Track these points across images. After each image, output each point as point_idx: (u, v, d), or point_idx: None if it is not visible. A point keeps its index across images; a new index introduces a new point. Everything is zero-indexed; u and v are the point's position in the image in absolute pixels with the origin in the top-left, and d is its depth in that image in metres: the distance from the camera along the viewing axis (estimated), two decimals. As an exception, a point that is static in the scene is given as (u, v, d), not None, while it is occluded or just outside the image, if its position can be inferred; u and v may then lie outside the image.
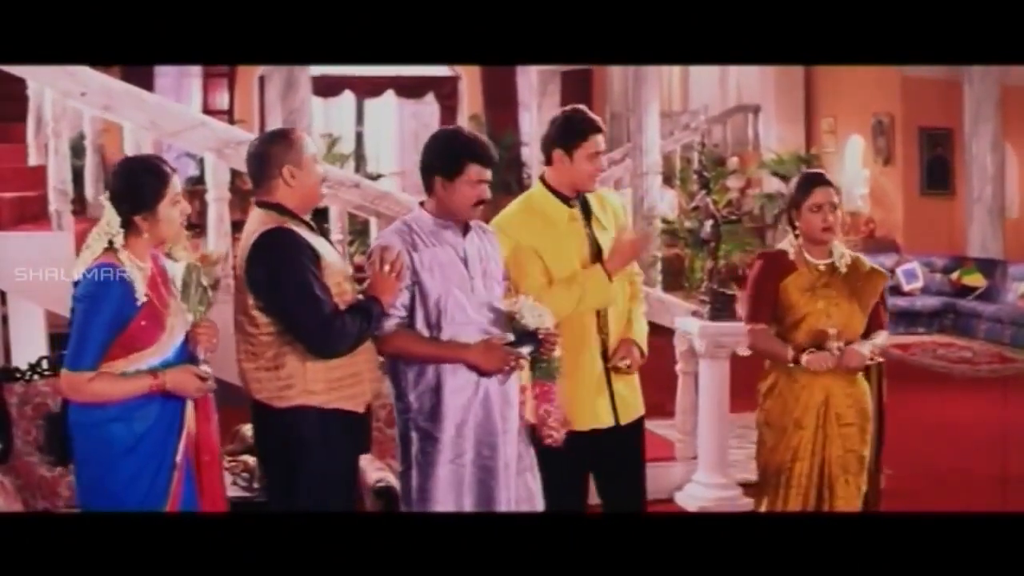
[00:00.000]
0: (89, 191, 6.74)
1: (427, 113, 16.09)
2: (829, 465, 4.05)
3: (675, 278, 10.87)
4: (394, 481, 4.01)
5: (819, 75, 14.05)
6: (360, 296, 3.54)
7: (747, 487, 5.39)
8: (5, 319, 6.65)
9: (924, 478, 6.03)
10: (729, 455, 5.72)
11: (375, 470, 4.28)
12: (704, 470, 5.68)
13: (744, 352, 5.07)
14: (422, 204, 3.72)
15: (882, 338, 4.14)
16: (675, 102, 16.32)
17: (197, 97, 14.98)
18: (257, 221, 3.48)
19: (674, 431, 5.98)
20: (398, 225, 3.69)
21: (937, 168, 12.60)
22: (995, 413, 7.43)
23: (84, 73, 5.65)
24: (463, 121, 15.07)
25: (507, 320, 3.65)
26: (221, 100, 15.06)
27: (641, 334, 4.09)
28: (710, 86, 15.60)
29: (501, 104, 15.83)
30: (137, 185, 3.34)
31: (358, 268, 4.54)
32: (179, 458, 3.38)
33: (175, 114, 5.89)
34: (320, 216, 5.23)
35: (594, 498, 4.15)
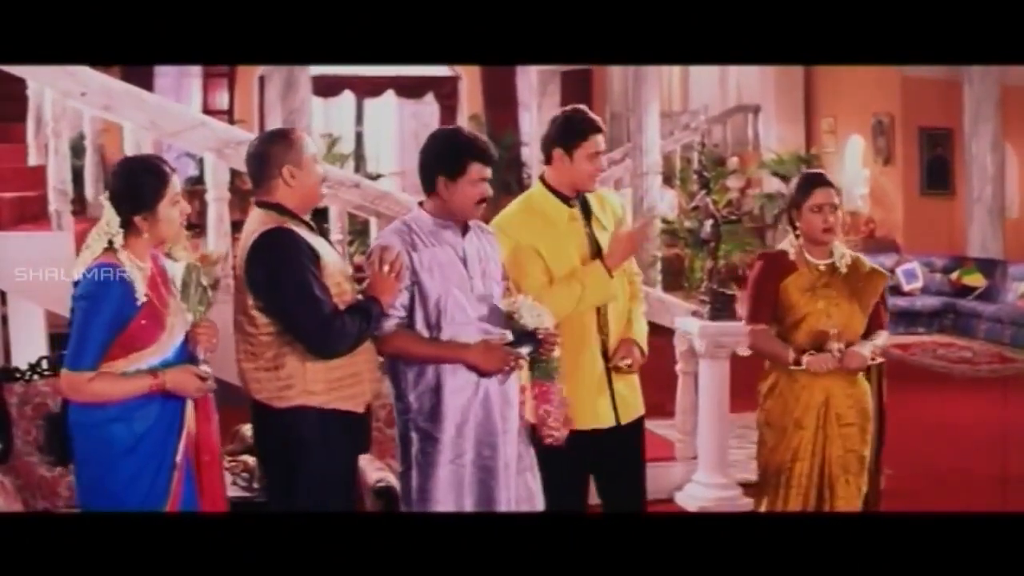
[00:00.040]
0: (89, 191, 6.75)
1: (427, 113, 16.08)
2: (829, 465, 4.05)
3: (675, 278, 10.87)
4: (394, 481, 4.01)
5: (819, 75, 14.05)
6: (359, 296, 3.54)
7: (747, 487, 5.39)
8: (5, 319, 6.65)
9: (924, 478, 6.03)
10: (729, 455, 5.72)
11: (375, 470, 4.28)
12: (704, 470, 5.68)
13: (744, 352, 5.07)
14: (421, 204, 3.72)
15: (883, 339, 4.14)
16: (675, 102, 16.32)
17: (197, 97, 14.97)
18: (257, 221, 3.48)
19: (674, 431, 5.98)
20: (397, 225, 3.69)
21: (937, 168, 12.60)
22: (995, 413, 7.43)
23: (84, 73, 5.65)
24: (463, 121, 15.07)
25: (506, 320, 3.65)
26: (221, 100, 15.06)
27: (641, 334, 4.09)
28: (710, 86, 15.60)
29: (501, 104, 15.83)
30: (137, 185, 3.34)
31: (358, 268, 4.54)
32: (179, 458, 3.38)
33: (175, 114, 5.89)
34: (320, 216, 5.24)
35: (594, 498, 4.15)
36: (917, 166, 12.69)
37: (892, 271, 10.72)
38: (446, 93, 16.00)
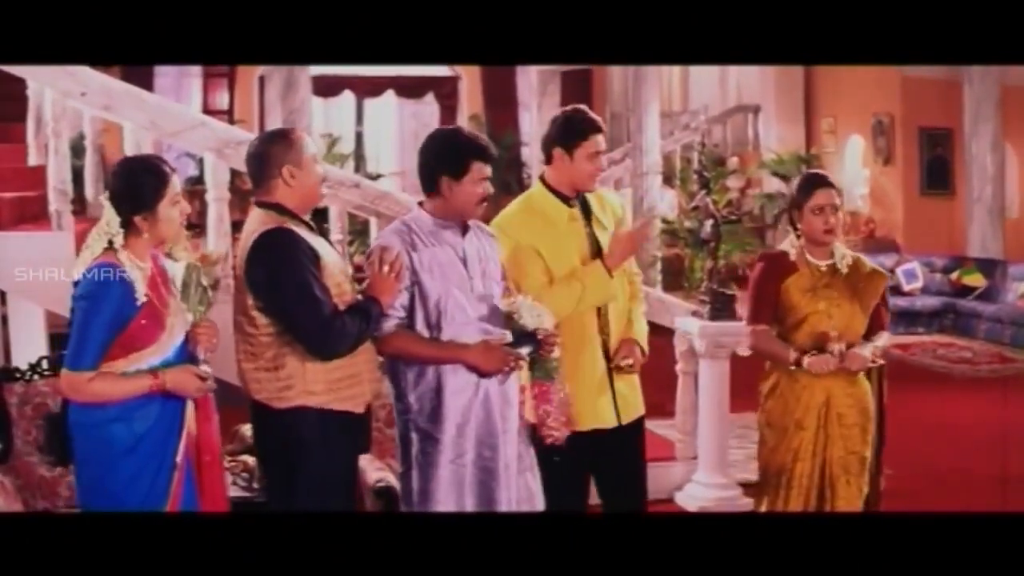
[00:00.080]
0: (89, 191, 6.75)
1: (427, 113, 16.09)
2: (830, 465, 4.05)
3: (675, 278, 10.87)
4: (394, 481, 4.01)
5: (819, 75, 14.06)
6: (359, 296, 3.54)
7: (747, 487, 5.39)
8: (5, 319, 6.65)
9: (924, 478, 6.03)
10: (729, 455, 5.72)
11: (375, 470, 4.28)
12: (704, 470, 5.68)
13: (744, 352, 5.07)
14: (421, 204, 3.72)
15: (883, 339, 4.14)
16: (675, 102, 16.33)
17: (197, 97, 14.98)
18: (257, 221, 3.48)
19: (674, 431, 5.98)
20: (397, 225, 3.69)
21: (937, 168, 12.60)
22: (995, 413, 7.43)
23: (84, 73, 5.65)
24: (463, 121, 15.07)
25: (505, 320, 3.65)
26: (221, 100, 15.07)
27: (642, 333, 4.09)
28: (710, 86, 15.61)
29: (501, 104, 15.84)
30: (137, 185, 3.34)
31: (358, 268, 4.54)
32: (179, 458, 3.38)
33: (175, 114, 5.88)
34: (320, 216, 5.23)
35: (594, 498, 4.15)
36: (917, 166, 12.69)
37: (892, 271, 10.73)
38: (446, 93, 16.01)
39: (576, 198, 4.01)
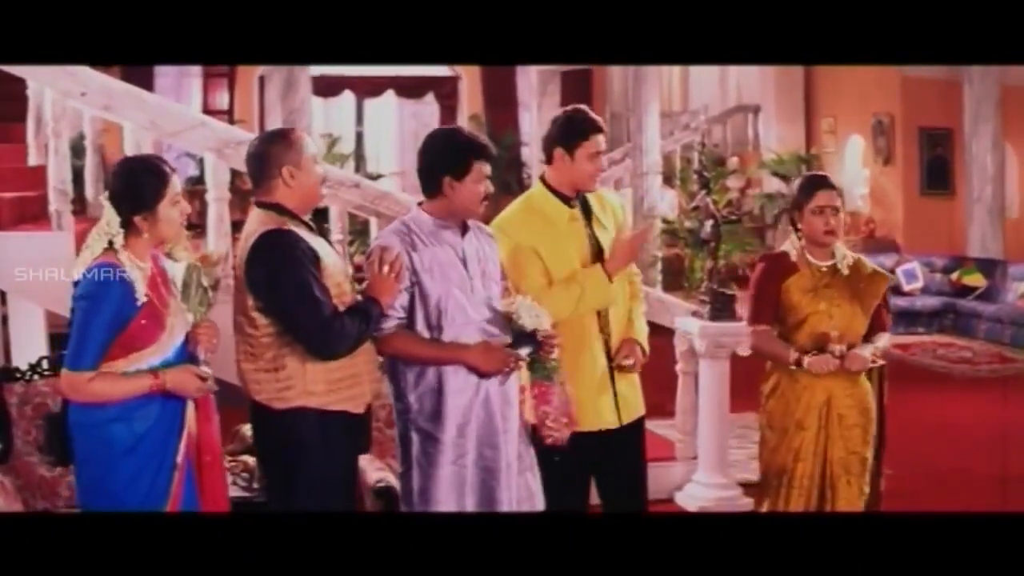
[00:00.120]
0: (89, 191, 6.74)
1: (427, 113, 16.09)
2: (831, 466, 4.05)
3: (675, 278, 10.86)
4: (394, 481, 4.01)
5: (819, 75, 14.06)
6: (359, 297, 3.54)
7: (747, 487, 5.39)
8: (5, 319, 6.65)
9: (924, 478, 6.02)
10: (729, 455, 5.72)
11: (375, 470, 4.28)
12: (704, 470, 5.68)
13: (744, 352, 5.07)
14: (420, 204, 3.72)
15: (884, 340, 4.15)
16: (675, 102, 16.33)
17: (197, 97, 14.98)
18: (257, 221, 3.47)
19: (674, 431, 5.98)
20: (397, 226, 3.68)
21: (937, 168, 12.60)
22: (995, 413, 7.43)
23: (84, 73, 5.64)
24: (463, 121, 15.08)
25: (504, 320, 3.64)
26: (221, 100, 15.07)
27: (642, 333, 4.09)
28: (710, 86, 15.61)
29: (501, 104, 15.84)
30: (137, 185, 3.34)
31: (358, 268, 4.54)
32: (180, 458, 3.38)
33: (175, 114, 5.88)
34: (320, 216, 5.23)
35: (594, 498, 4.14)
36: (917, 166, 12.69)
37: (892, 271, 10.71)
38: (446, 93, 16.01)
39: (576, 198, 4.01)
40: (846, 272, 4.08)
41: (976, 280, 11.07)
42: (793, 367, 4.01)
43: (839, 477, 4.05)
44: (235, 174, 5.74)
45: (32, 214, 6.12)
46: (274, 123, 9.08)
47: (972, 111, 11.27)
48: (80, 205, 6.65)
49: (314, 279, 3.39)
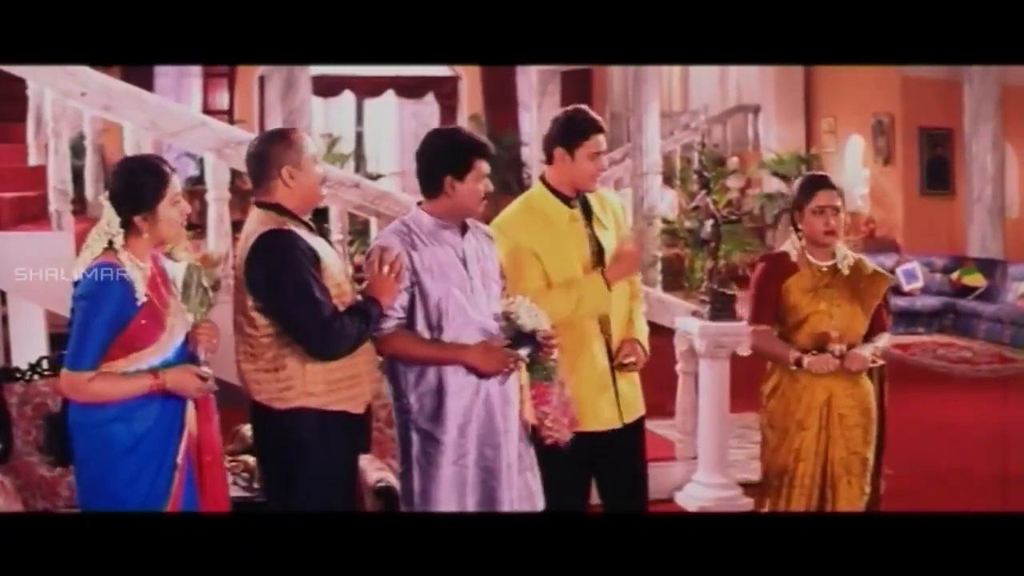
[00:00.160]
0: (89, 191, 6.74)
1: (427, 113, 16.09)
2: (832, 466, 4.05)
3: (675, 278, 10.87)
4: (394, 481, 4.01)
5: (819, 75, 14.06)
6: (359, 297, 3.54)
7: (747, 487, 5.39)
8: (5, 319, 6.64)
9: (924, 478, 6.03)
10: (729, 455, 5.72)
11: (375, 470, 4.28)
12: (704, 470, 5.68)
13: (744, 352, 5.07)
14: (420, 204, 3.71)
15: (884, 340, 4.15)
16: (675, 102, 16.33)
17: (197, 97, 14.98)
18: (256, 222, 3.47)
19: (674, 431, 5.98)
20: (396, 225, 3.68)
21: (937, 168, 12.60)
22: (995, 413, 7.43)
23: (84, 73, 5.64)
24: (463, 121, 15.08)
25: (504, 320, 3.64)
26: (221, 100, 15.07)
27: (643, 333, 4.09)
28: (710, 86, 15.61)
29: (501, 104, 15.84)
30: (137, 185, 3.34)
31: (358, 268, 4.54)
32: (180, 459, 3.38)
33: (175, 114, 5.88)
34: (320, 216, 5.23)
35: (595, 498, 4.14)
36: (917, 166, 12.69)
37: (892, 271, 10.72)
38: (446, 93, 16.01)
39: (576, 198, 4.01)
40: (846, 272, 4.08)
41: (976, 280, 11.07)
42: (793, 367, 4.02)
43: (840, 477, 4.05)
44: (235, 174, 5.74)
45: (32, 214, 6.12)
46: (274, 123, 9.08)
47: (972, 111, 11.28)
48: (80, 205, 6.66)
49: (314, 279, 3.39)
